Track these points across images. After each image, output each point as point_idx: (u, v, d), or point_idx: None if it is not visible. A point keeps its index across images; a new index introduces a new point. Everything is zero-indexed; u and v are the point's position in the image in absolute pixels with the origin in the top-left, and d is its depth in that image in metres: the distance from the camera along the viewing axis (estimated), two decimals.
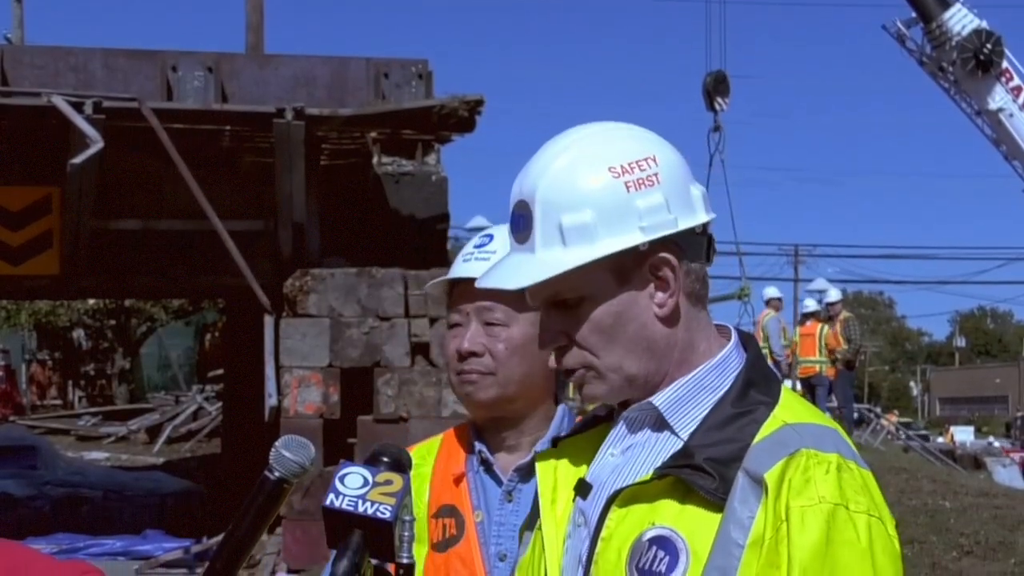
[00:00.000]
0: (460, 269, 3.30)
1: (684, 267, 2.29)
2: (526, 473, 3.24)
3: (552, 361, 2.36)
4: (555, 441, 2.54)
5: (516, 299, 3.28)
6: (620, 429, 2.37)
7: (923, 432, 51.90)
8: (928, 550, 14.66)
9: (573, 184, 2.28)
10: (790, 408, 2.28)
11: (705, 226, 2.33)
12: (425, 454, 3.29)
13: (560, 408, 3.34)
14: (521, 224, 2.31)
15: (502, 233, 3.35)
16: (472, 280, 3.25)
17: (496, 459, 3.28)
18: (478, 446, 3.29)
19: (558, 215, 2.26)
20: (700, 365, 2.31)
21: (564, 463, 2.44)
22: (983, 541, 15.04)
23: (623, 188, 2.26)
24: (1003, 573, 13.68)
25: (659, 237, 2.26)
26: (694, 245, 2.31)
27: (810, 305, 25.50)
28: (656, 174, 2.28)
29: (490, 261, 3.24)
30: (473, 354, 3.22)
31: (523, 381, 3.25)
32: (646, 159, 2.29)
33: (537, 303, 2.34)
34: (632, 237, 2.25)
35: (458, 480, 3.23)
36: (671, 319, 2.30)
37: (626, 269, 2.27)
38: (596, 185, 2.27)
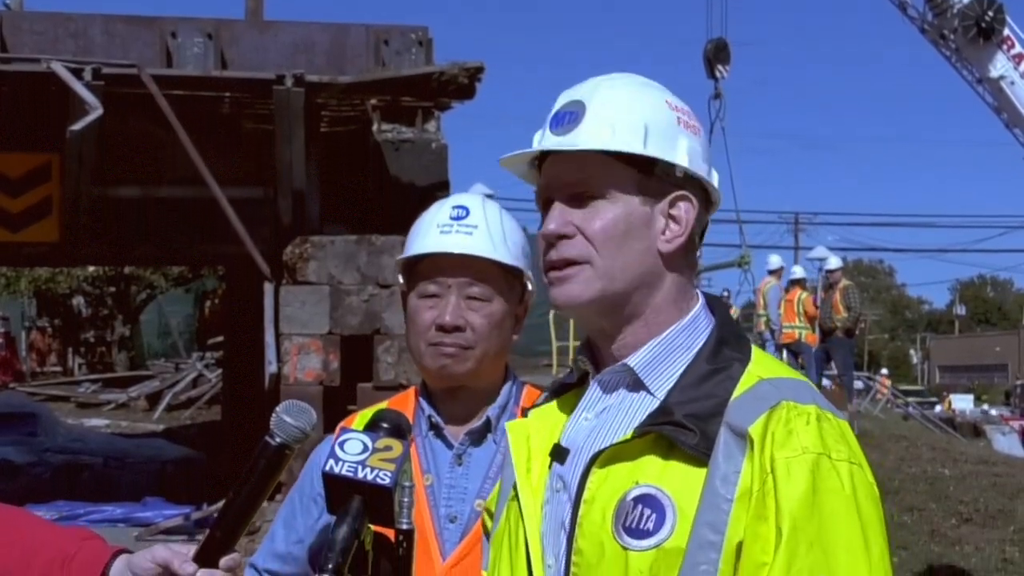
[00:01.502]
0: (441, 242, 3.30)
1: (696, 212, 2.35)
2: (477, 437, 3.29)
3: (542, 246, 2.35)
4: (525, 411, 2.54)
5: (499, 277, 3.30)
6: (594, 392, 2.39)
7: (932, 400, 51.92)
8: (927, 517, 14.71)
9: (633, 99, 2.35)
10: (763, 364, 2.32)
11: (712, 199, 2.42)
12: None
13: (510, 377, 3.40)
14: (568, 119, 2.34)
15: (476, 204, 3.37)
16: (456, 254, 3.28)
17: (446, 424, 3.30)
18: (428, 411, 3.32)
19: (615, 114, 2.31)
20: (672, 325, 2.34)
21: (536, 431, 2.44)
22: (982, 508, 15.08)
23: (675, 120, 2.35)
24: (1002, 540, 13.72)
25: (693, 172, 2.33)
26: (704, 203, 2.38)
27: (796, 272, 25.47)
28: (698, 128, 2.39)
29: (473, 236, 3.27)
30: (457, 328, 3.24)
31: (496, 356, 3.30)
32: (691, 113, 2.40)
33: (554, 192, 2.35)
34: (675, 156, 2.32)
35: None
36: (671, 258, 2.34)
37: (651, 191, 2.32)
38: (654, 106, 2.35)
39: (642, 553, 2.18)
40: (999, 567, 12.61)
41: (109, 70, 14.06)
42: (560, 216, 2.31)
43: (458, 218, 3.31)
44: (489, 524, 2.63)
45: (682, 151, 2.33)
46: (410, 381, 14.34)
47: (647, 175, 2.31)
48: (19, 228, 15.81)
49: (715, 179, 2.41)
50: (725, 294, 27.15)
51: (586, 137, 2.30)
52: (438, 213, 3.37)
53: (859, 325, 24.51)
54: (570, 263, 2.31)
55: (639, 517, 2.20)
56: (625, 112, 2.32)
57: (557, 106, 2.37)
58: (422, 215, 3.43)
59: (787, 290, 25.21)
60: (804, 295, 24.18)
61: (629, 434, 2.25)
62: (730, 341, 2.34)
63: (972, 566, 12.56)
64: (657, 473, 2.22)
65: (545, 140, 2.36)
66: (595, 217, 2.30)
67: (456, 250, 3.26)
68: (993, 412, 49.51)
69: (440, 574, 3.17)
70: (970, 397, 56.35)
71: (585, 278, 2.30)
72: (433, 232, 3.32)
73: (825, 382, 25.24)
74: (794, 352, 23.88)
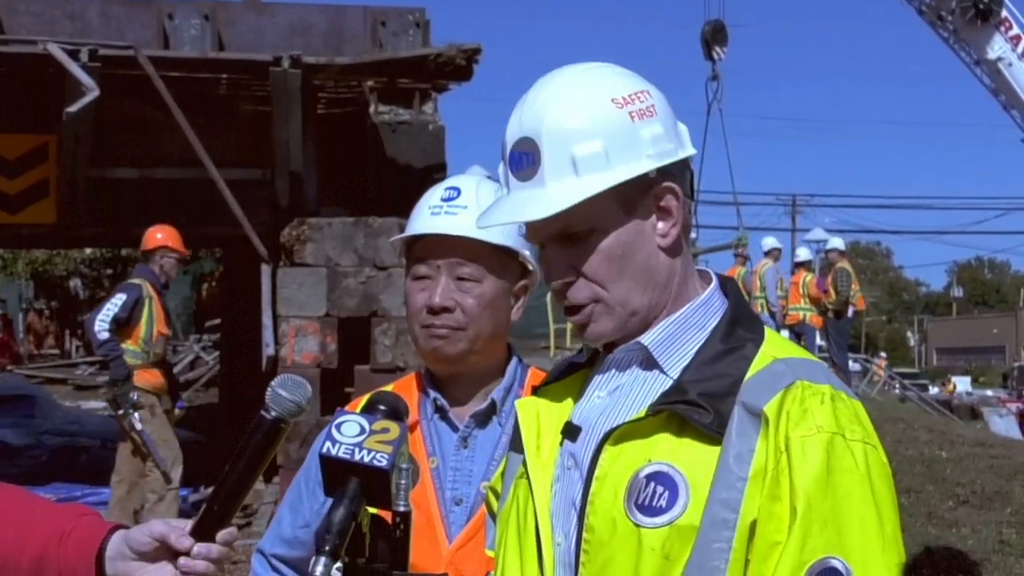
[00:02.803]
0: (430, 223, 3.31)
1: (682, 198, 2.34)
2: (482, 420, 3.29)
3: (551, 297, 2.37)
4: (535, 389, 2.54)
5: (489, 257, 3.30)
6: (606, 370, 2.39)
7: (924, 382, 51.97)
8: (924, 499, 14.72)
9: (580, 116, 2.29)
10: (776, 344, 2.32)
11: (688, 161, 2.39)
12: None
13: (513, 359, 3.40)
14: (525, 161, 2.31)
15: (470, 185, 3.37)
16: (442, 235, 3.28)
17: (451, 407, 3.30)
18: (433, 394, 3.32)
19: (568, 146, 2.27)
20: (686, 305, 2.34)
21: (546, 410, 2.44)
22: (979, 491, 15.09)
23: (628, 118, 2.30)
24: (999, 522, 13.73)
25: (666, 164, 2.30)
26: (686, 178, 2.37)
27: (802, 255, 25.60)
28: (653, 106, 2.33)
29: (459, 216, 3.26)
30: (445, 309, 3.24)
31: (491, 336, 3.29)
32: (641, 92, 2.34)
33: (540, 239, 2.35)
34: (642, 164, 2.28)
35: (411, 428, 3.25)
36: (673, 249, 2.33)
37: (632, 199, 2.30)
38: (603, 115, 2.29)
39: (655, 530, 2.18)
40: (996, 549, 12.62)
41: (106, 51, 14.01)
42: (556, 265, 2.33)
43: (449, 199, 3.31)
44: (494, 504, 2.62)
45: (646, 149, 2.29)
46: (407, 363, 14.34)
47: (623, 190, 2.29)
48: (16, 210, 15.78)
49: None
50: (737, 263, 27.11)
51: (551, 192, 2.27)
52: (431, 195, 3.37)
53: (851, 308, 24.58)
54: (581, 307, 2.32)
55: (652, 494, 2.20)
56: (578, 139, 2.28)
57: (509, 142, 2.34)
58: (421, 198, 3.43)
59: (793, 272, 25.32)
60: (809, 277, 24.32)
61: (643, 412, 2.25)
62: (743, 321, 2.34)
63: (969, 548, 12.56)
64: (670, 451, 2.22)
65: (511, 185, 2.34)
66: (588, 255, 2.29)
67: (442, 231, 3.26)
68: (989, 394, 49.54)
69: (446, 557, 3.16)
70: (967, 379, 56.40)
71: (604, 313, 2.31)
72: (424, 214, 3.33)
73: None
74: (797, 334, 23.98)
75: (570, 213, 2.26)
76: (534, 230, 2.35)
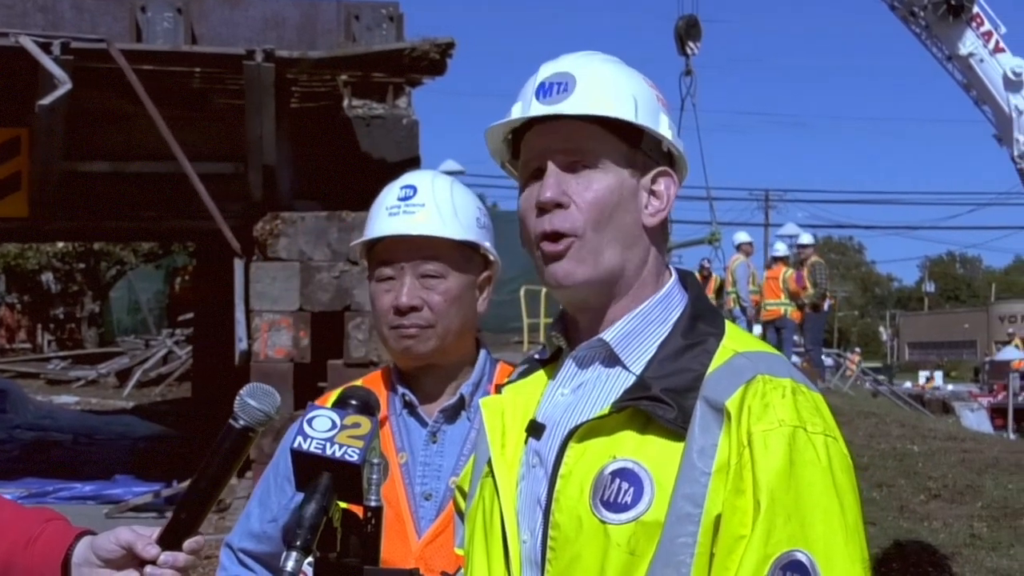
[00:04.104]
0: (390, 225, 3.32)
1: (675, 189, 2.39)
2: (451, 415, 3.30)
3: (534, 224, 2.35)
4: (498, 387, 2.55)
5: (452, 253, 3.31)
6: (569, 368, 2.40)
7: (882, 377, 52.07)
8: (896, 493, 14.76)
9: (618, 74, 2.38)
10: (737, 338, 2.33)
11: (681, 163, 2.44)
12: None
13: (482, 353, 3.41)
14: (556, 89, 2.34)
15: (424, 182, 3.38)
16: (403, 236, 3.29)
17: (420, 402, 3.31)
18: (401, 390, 3.33)
19: (604, 87, 2.33)
20: (646, 300, 2.36)
21: (511, 407, 2.44)
22: (951, 484, 15.14)
23: (655, 97, 2.39)
24: (970, 516, 13.78)
25: (676, 148, 2.38)
26: (677, 178, 2.41)
27: (780, 249, 25.65)
28: (667, 106, 2.42)
29: (418, 215, 3.28)
30: (413, 308, 3.25)
31: (459, 331, 3.30)
32: (660, 90, 2.43)
33: (544, 159, 2.35)
34: (662, 131, 2.36)
35: (380, 423, 3.26)
36: (654, 233, 2.36)
37: (637, 165, 2.34)
38: (638, 82, 2.38)
39: (620, 526, 2.19)
40: (967, 542, 12.66)
41: (78, 45, 13.95)
42: (556, 184, 2.32)
43: (405, 198, 3.33)
44: (461, 503, 2.63)
45: (665, 127, 2.36)
46: (380, 358, 14.33)
47: (635, 148, 2.33)
48: None
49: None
50: (706, 263, 27.10)
51: (582, 104, 2.31)
52: (387, 195, 3.38)
53: (827, 301, 24.66)
54: (562, 235, 2.31)
55: (617, 491, 2.21)
56: (614, 85, 2.34)
57: (541, 77, 2.37)
58: (377, 198, 3.44)
59: (769, 267, 25.37)
60: (788, 272, 24.33)
61: (606, 409, 2.26)
62: (704, 316, 2.36)
63: (940, 541, 12.62)
64: (634, 447, 2.22)
65: (533, 109, 2.35)
66: (588, 187, 2.31)
67: (403, 231, 3.28)
68: (955, 388, 49.58)
69: (416, 551, 3.18)
70: (939, 374, 56.51)
71: (580, 254, 2.31)
72: (382, 215, 3.34)
73: (795, 359, 25.38)
74: (777, 328, 24.02)
75: (585, 141, 2.31)
76: (543, 147, 2.35)
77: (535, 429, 2.36)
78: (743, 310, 24.65)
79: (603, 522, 2.20)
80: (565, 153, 2.32)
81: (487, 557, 2.38)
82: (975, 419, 34.03)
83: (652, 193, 2.35)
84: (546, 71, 2.37)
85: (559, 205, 2.30)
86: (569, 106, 2.30)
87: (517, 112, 2.38)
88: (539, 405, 2.41)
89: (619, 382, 2.31)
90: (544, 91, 2.34)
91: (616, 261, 2.32)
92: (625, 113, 2.31)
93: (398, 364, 3.38)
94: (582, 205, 2.30)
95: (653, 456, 2.21)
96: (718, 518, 2.14)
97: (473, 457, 2.58)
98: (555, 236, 2.31)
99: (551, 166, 2.32)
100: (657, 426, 2.21)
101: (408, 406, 3.33)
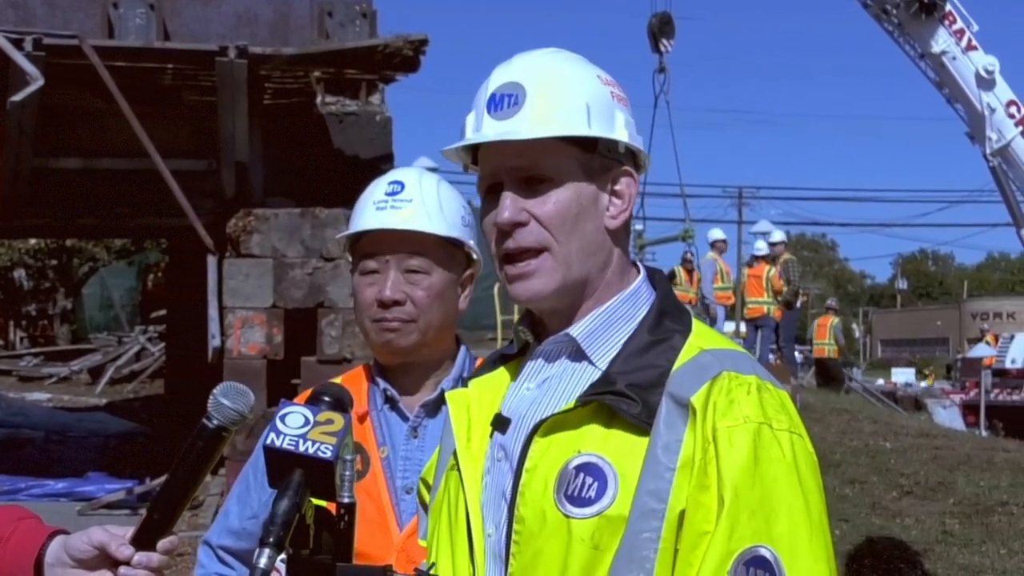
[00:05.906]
0: (377, 219, 3.34)
1: (636, 187, 2.39)
2: (432, 409, 3.32)
3: (494, 246, 2.35)
4: (465, 381, 2.55)
5: (436, 249, 3.33)
6: (535, 362, 2.41)
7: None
8: (869, 490, 14.81)
9: (568, 77, 2.36)
10: (704, 336, 2.34)
11: (642, 160, 2.44)
12: None
13: (462, 349, 3.43)
14: (507, 101, 2.33)
15: (412, 178, 3.39)
16: (390, 230, 3.30)
17: (401, 397, 3.32)
18: (383, 384, 3.34)
19: (555, 95, 2.31)
20: (614, 296, 2.37)
21: (476, 401, 2.46)
22: (923, 481, 15.19)
23: (609, 95, 2.36)
24: (942, 512, 13.83)
25: (631, 145, 2.36)
26: (637, 173, 2.41)
27: (760, 248, 25.64)
28: (625, 98, 2.41)
29: (405, 210, 3.29)
30: (396, 302, 3.26)
31: (441, 327, 3.32)
32: (616, 82, 2.42)
33: (500, 177, 2.34)
34: (617, 134, 2.34)
35: (362, 418, 3.29)
36: (617, 234, 2.37)
37: (593, 171, 2.33)
38: (589, 83, 2.36)
39: (584, 521, 2.20)
40: (939, 539, 12.71)
41: (50, 40, 13.90)
42: (513, 204, 2.31)
43: (393, 193, 3.34)
44: (425, 495, 2.64)
45: (620, 126, 2.36)
46: (354, 355, 14.33)
47: (591, 153, 2.33)
48: None
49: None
50: (689, 256, 27.04)
51: (531, 124, 2.30)
52: (374, 190, 3.40)
53: (800, 298, 24.72)
54: (527, 252, 2.31)
55: (581, 485, 2.21)
56: (566, 93, 2.32)
57: (492, 87, 2.36)
58: (363, 193, 3.45)
59: (751, 265, 25.39)
60: (772, 271, 24.33)
61: (571, 403, 2.27)
62: (671, 312, 2.36)
63: (912, 538, 12.66)
64: (599, 442, 2.23)
65: (485, 125, 2.35)
66: (547, 202, 2.30)
67: (390, 225, 3.29)
68: (927, 386, 49.77)
69: (397, 544, 3.21)
70: (911, 371, 56.71)
71: (546, 269, 2.31)
72: (369, 209, 3.36)
73: (771, 357, 25.46)
74: (757, 327, 24.06)
75: (540, 156, 2.30)
76: (496, 165, 2.35)
77: (501, 423, 2.38)
78: (706, 307, 24.62)
79: (567, 516, 2.21)
80: (519, 170, 2.32)
81: (451, 550, 2.39)
82: (947, 416, 34.19)
83: (614, 194, 2.36)
84: (497, 79, 2.36)
85: (519, 224, 2.31)
86: (518, 123, 2.29)
87: (471, 124, 2.38)
88: (505, 399, 2.42)
89: (585, 377, 2.32)
90: (495, 104, 2.33)
91: (583, 271, 2.33)
92: (577, 125, 2.30)
93: (379, 358, 3.39)
94: (543, 219, 2.30)
95: (617, 451, 2.22)
96: (682, 514, 2.15)
97: (438, 449, 2.59)
98: (521, 254, 2.32)
99: (506, 185, 2.33)
100: (622, 421, 2.22)
101: (389, 401, 3.34)
